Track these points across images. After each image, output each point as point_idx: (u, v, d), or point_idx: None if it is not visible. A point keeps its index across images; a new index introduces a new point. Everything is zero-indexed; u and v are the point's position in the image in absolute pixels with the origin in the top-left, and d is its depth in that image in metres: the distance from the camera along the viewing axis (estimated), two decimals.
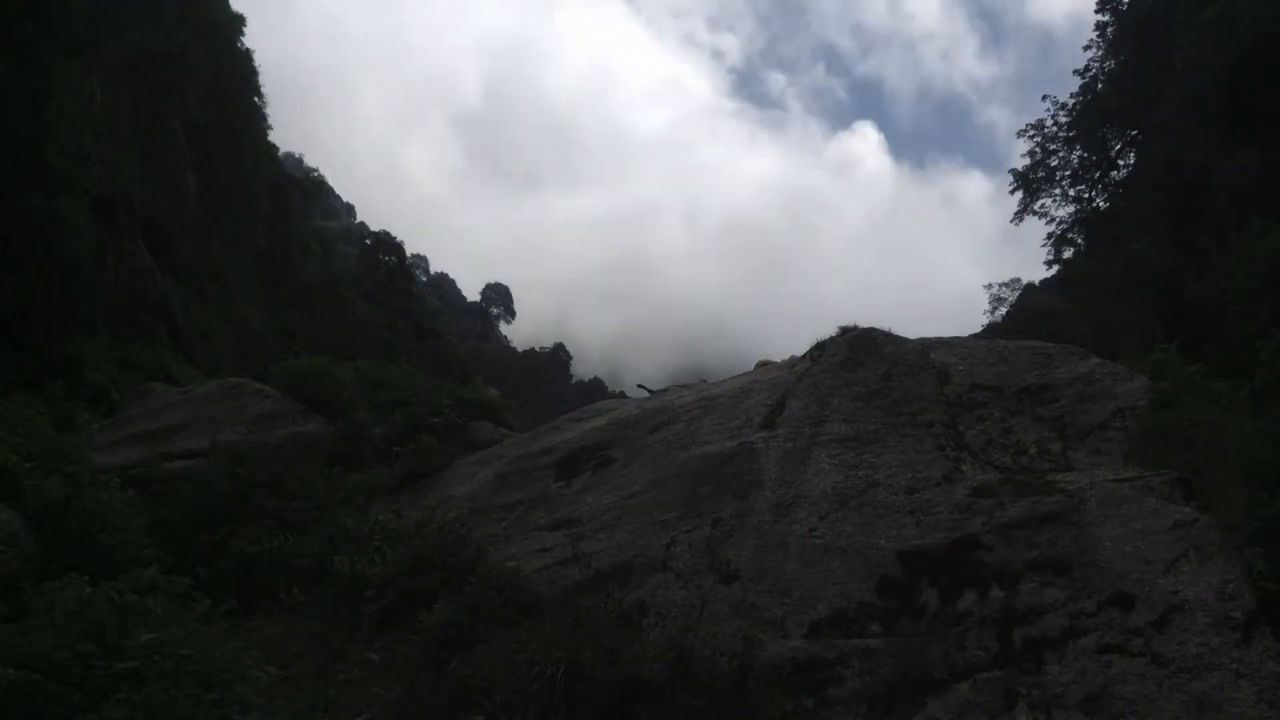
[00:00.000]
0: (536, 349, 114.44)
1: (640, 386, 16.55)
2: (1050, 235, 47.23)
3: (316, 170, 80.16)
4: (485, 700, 6.64)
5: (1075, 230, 46.89)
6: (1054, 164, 46.78)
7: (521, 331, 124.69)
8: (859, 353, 10.34)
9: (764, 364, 13.15)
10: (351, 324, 56.22)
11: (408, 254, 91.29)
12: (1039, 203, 47.36)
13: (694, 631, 6.92)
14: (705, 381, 14.03)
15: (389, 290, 67.16)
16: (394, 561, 9.31)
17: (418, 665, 7.68)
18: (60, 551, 8.36)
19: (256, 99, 57.24)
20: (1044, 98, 47.08)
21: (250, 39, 55.51)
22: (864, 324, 11.08)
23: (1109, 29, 44.70)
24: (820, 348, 10.97)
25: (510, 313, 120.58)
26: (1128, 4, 43.28)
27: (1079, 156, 46.09)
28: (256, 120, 57.14)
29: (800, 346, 11.63)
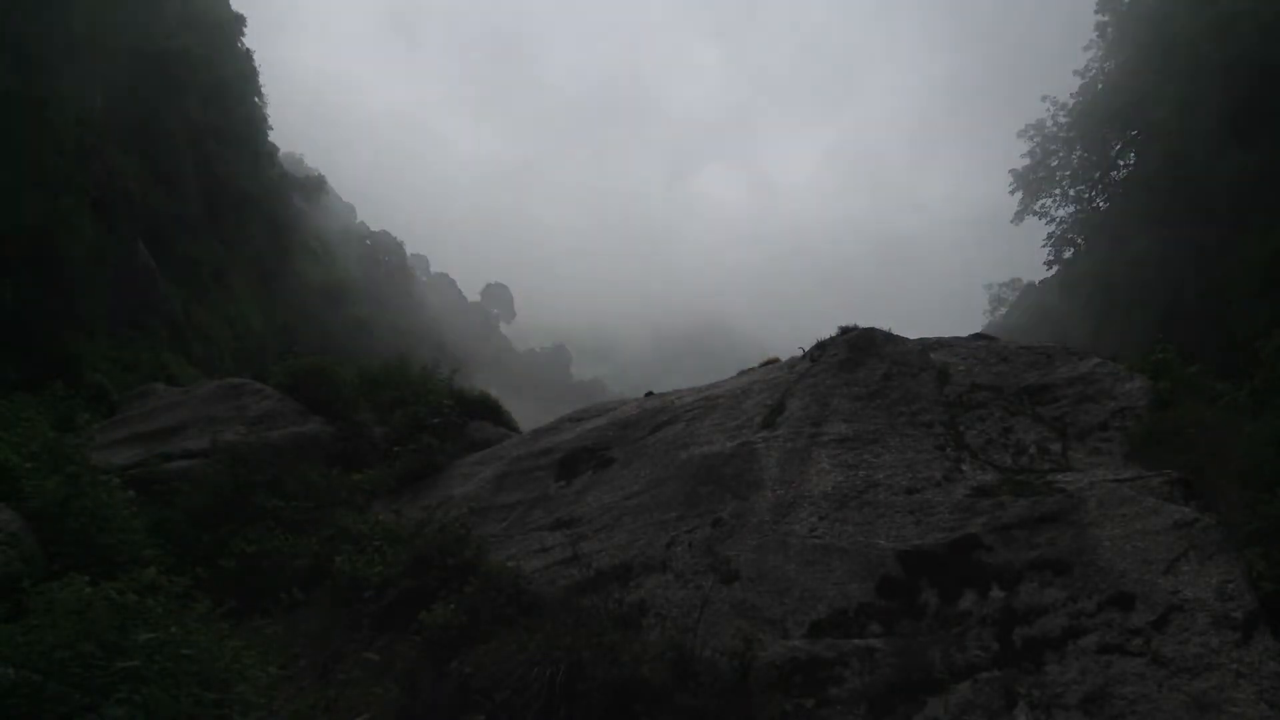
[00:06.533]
0: (536, 349, 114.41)
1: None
2: (1050, 235, 47.32)
3: (317, 170, 79.98)
4: (485, 700, 6.65)
5: (1075, 230, 46.97)
6: (1054, 164, 46.89)
7: (521, 332, 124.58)
8: (859, 353, 10.33)
9: (769, 363, 13.10)
10: (351, 324, 56.28)
11: (408, 254, 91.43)
12: (1039, 203, 47.46)
13: (694, 631, 6.93)
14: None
15: (389, 290, 67.16)
16: (394, 561, 9.31)
17: (418, 665, 7.68)
18: (60, 551, 8.36)
19: (256, 99, 57.21)
20: (1044, 98, 47.18)
21: (250, 39, 55.54)
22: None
23: (1109, 29, 44.78)
24: (820, 347, 10.95)
25: (510, 313, 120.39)
26: (1128, 4, 43.34)
27: (1079, 156, 46.16)
28: (256, 120, 57.09)
29: None
